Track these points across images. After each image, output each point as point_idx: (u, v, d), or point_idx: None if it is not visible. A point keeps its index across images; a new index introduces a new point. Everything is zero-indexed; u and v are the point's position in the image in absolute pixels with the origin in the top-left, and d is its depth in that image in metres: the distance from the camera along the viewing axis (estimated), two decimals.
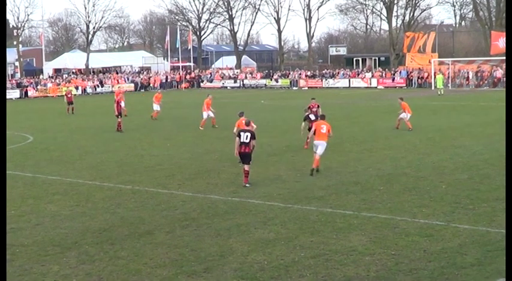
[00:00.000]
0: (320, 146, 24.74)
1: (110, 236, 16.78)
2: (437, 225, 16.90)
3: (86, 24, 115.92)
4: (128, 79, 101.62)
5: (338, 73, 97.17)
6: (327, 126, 25.11)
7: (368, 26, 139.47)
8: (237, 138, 23.16)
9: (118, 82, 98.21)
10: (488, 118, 43.63)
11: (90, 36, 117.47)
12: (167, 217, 18.58)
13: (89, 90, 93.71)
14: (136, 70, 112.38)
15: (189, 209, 19.51)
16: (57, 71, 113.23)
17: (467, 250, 14.70)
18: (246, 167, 22.86)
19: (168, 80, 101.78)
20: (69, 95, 57.91)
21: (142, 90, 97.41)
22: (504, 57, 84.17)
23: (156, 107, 48.90)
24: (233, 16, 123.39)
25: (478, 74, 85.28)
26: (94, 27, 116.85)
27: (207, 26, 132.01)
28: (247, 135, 22.96)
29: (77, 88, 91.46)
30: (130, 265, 14.41)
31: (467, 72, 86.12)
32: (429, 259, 14.22)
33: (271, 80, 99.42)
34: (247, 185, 22.64)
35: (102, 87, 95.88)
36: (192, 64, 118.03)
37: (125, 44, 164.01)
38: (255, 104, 62.72)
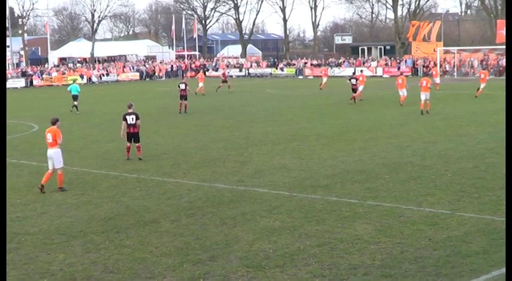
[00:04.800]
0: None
1: (115, 224, 16.81)
2: (443, 214, 16.90)
3: (91, 13, 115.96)
4: (133, 68, 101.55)
5: (343, 62, 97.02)
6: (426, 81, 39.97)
7: (374, 15, 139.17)
8: (124, 122, 26.17)
9: (123, 71, 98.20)
10: (494, 107, 43.51)
11: (95, 25, 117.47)
12: (172, 206, 18.60)
13: (94, 79, 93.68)
14: (142, 59, 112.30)
15: (194, 197, 19.53)
16: (63, 60, 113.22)
17: (473, 239, 14.70)
18: (138, 144, 26.26)
19: (174, 69, 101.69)
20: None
21: (148, 79, 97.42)
22: None
23: (201, 84, 60.52)
24: (238, 5, 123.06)
25: (483, 63, 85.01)
26: (99, 16, 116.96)
27: (213, 15, 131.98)
28: (132, 118, 26.08)
29: (82, 77, 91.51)
30: (136, 253, 14.44)
31: (473, 61, 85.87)
32: (434, 247, 14.22)
33: (276, 68, 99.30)
34: (140, 157, 26.18)
35: (107, 76, 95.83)
36: (197, 53, 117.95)
37: (130, 32, 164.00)
38: (261, 93, 62.67)
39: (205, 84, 62.14)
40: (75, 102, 46.95)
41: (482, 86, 51.86)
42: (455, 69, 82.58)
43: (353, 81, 51.11)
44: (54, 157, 21.15)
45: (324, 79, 65.77)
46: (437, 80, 61.13)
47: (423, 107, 40.32)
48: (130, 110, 26.29)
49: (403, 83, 45.66)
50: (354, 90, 50.11)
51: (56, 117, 22.02)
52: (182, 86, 44.76)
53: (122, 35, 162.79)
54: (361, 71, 52.82)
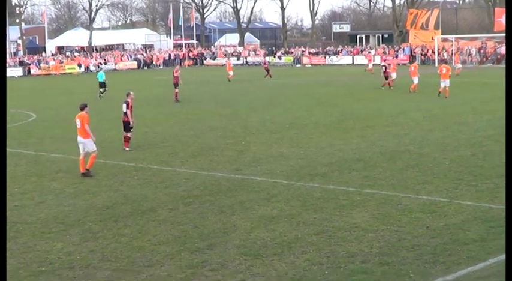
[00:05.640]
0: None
1: (113, 213, 16.82)
2: (440, 201, 16.92)
3: (89, 1, 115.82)
4: (131, 57, 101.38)
5: (341, 50, 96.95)
6: (446, 68, 42.46)
7: (371, 3, 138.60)
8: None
9: (121, 60, 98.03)
10: (492, 94, 43.51)
11: (92, 13, 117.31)
12: (170, 194, 18.62)
13: (92, 68, 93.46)
14: (139, 48, 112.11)
15: (192, 186, 19.54)
16: (60, 49, 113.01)
17: (470, 226, 14.72)
18: (124, 134, 25.99)
19: (171, 58, 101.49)
20: None
21: (146, 67, 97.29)
22: None
23: (231, 73, 63.70)
24: None
25: (481, 51, 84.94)
26: (97, 5, 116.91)
27: (210, 3, 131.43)
28: (123, 106, 25.83)
29: (79, 66, 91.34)
30: (134, 242, 14.46)
31: (471, 49, 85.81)
32: (432, 235, 14.25)
33: (274, 57, 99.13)
34: (126, 149, 25.86)
35: (105, 65, 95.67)
36: (195, 42, 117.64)
37: (128, 21, 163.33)
38: (258, 82, 62.62)
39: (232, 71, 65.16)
40: (101, 89, 49.29)
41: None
42: (453, 57, 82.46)
43: (383, 68, 52.95)
44: (85, 142, 21.57)
45: (370, 65, 71.97)
46: (459, 65, 65.00)
47: (442, 91, 42.38)
48: (127, 99, 26.12)
49: (415, 70, 47.19)
50: (386, 77, 51.07)
51: (85, 103, 22.50)
52: (176, 74, 44.96)
53: (120, 23, 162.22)
54: (445, 62, 55.12)
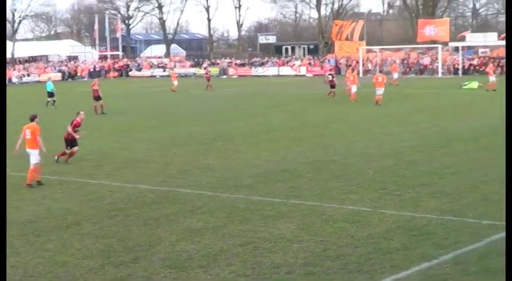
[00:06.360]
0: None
1: (36, 227, 16.53)
2: (364, 211, 17.09)
3: (12, 12, 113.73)
4: (55, 68, 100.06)
5: (267, 62, 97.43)
6: (382, 77, 44.91)
7: (297, 14, 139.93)
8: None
9: (45, 71, 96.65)
10: (416, 105, 44.33)
11: (16, 24, 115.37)
12: (94, 208, 18.39)
13: (14, 80, 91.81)
14: (64, 59, 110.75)
15: (116, 199, 19.35)
16: None
17: (394, 235, 14.90)
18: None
19: (96, 69, 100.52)
20: None
21: (70, 79, 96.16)
22: (431, 45, 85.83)
23: (175, 82, 64.59)
24: (162, 4, 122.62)
25: (404, 62, 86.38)
26: (20, 16, 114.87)
27: (136, 15, 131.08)
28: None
29: None
30: (57, 256, 14.22)
31: (395, 60, 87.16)
32: (356, 244, 14.37)
33: (200, 68, 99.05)
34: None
35: (28, 76, 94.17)
36: (120, 53, 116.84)
37: (52, 32, 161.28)
38: (184, 94, 62.41)
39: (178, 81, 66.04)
40: (49, 99, 50.49)
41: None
42: (378, 68, 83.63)
43: (329, 76, 54.08)
44: (34, 152, 21.56)
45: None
46: (396, 75, 66.76)
47: (378, 100, 44.22)
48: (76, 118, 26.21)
49: (354, 79, 48.45)
50: (333, 86, 51.61)
51: (34, 113, 22.50)
52: (95, 87, 44.74)
53: (44, 34, 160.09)
54: (353, 70, 56.45)
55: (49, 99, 50.78)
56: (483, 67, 79.93)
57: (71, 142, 25.72)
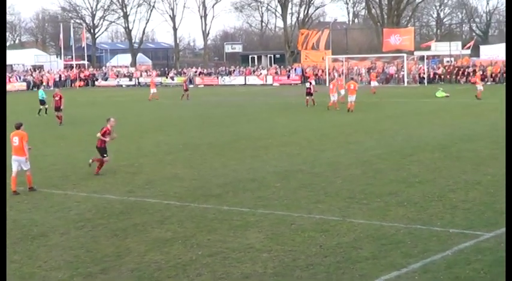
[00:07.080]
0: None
1: None
2: (333, 220, 17.11)
3: None
4: (20, 78, 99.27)
5: (233, 71, 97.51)
6: (354, 84, 46.23)
7: (263, 24, 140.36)
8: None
9: (10, 81, 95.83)
10: (381, 114, 44.53)
11: None
12: (61, 218, 18.23)
13: None
14: (29, 69, 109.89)
15: (84, 209, 19.19)
16: None
17: (362, 244, 14.93)
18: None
19: (62, 79, 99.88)
20: None
21: (35, 89, 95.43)
22: (396, 54, 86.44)
23: (153, 90, 64.49)
24: (128, 13, 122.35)
25: (370, 71, 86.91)
26: None
27: (101, 24, 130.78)
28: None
29: None
30: (24, 268, 14.07)
31: (360, 69, 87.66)
32: (325, 254, 14.38)
33: (166, 77, 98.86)
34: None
35: None
36: (86, 62, 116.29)
37: (17, 41, 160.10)
38: (151, 103, 62.24)
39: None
40: (41, 107, 50.14)
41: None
42: (344, 77, 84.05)
43: (307, 84, 53.85)
44: (22, 160, 21.79)
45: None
46: (375, 83, 69.24)
47: (349, 107, 45.49)
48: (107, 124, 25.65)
49: (333, 88, 49.16)
50: (311, 94, 51.42)
51: (20, 121, 22.86)
52: (57, 97, 44.47)
53: (8, 44, 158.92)
54: (352, 78, 57.21)
55: (41, 107, 50.64)
56: (448, 76, 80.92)
57: (104, 150, 25.26)
